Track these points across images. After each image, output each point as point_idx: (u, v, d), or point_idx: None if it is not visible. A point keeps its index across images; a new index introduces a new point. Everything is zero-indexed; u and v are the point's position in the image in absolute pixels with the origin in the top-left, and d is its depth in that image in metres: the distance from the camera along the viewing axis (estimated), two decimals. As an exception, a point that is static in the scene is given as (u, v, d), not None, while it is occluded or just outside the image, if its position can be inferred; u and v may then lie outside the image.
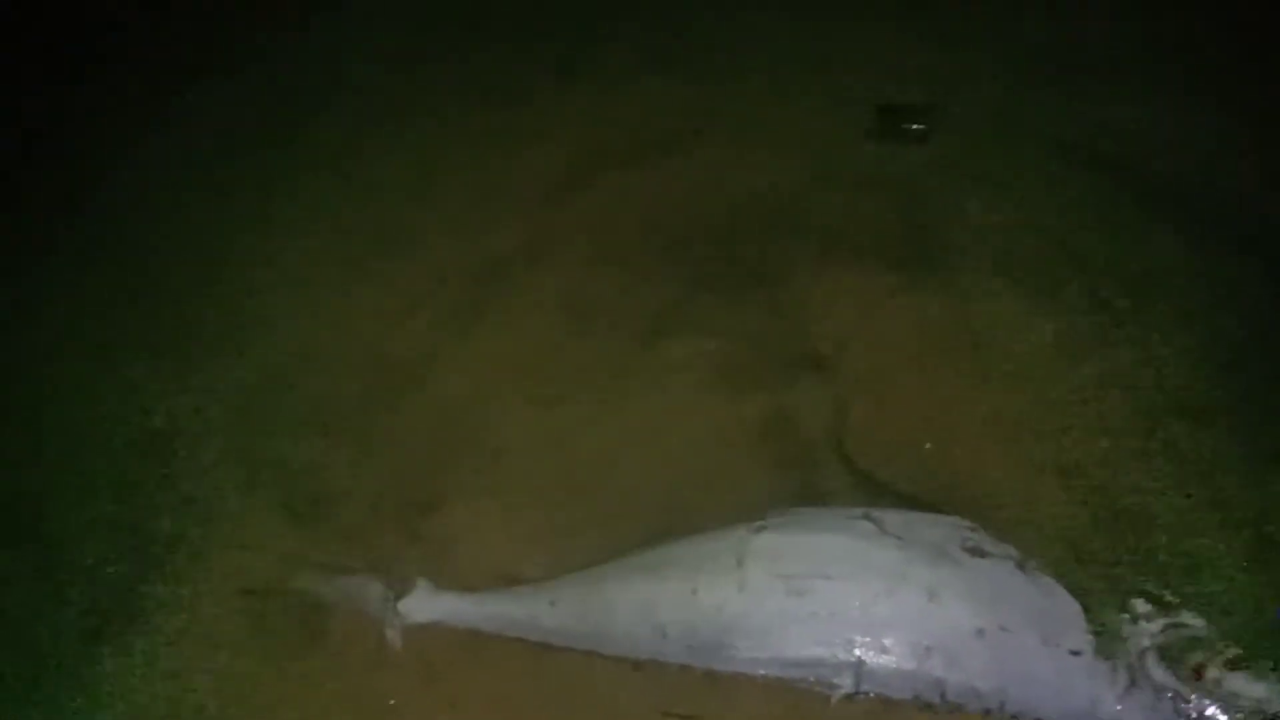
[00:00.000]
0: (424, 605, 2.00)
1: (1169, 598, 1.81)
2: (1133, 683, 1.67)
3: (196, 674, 2.01)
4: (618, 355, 2.38)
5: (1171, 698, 1.65)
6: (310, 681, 1.98)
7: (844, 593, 1.77)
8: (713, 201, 2.64)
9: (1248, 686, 1.62)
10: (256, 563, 2.14)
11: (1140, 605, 1.78)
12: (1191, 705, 1.64)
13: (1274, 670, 1.64)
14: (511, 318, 2.50)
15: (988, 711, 1.71)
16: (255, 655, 2.02)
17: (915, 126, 2.67)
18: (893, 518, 1.87)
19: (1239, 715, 1.61)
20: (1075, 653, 1.70)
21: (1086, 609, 1.76)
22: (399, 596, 2.02)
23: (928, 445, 2.13)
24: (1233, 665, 1.64)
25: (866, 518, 1.87)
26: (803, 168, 2.65)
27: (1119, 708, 1.66)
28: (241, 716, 1.95)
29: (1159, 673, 1.66)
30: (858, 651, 1.74)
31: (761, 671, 1.80)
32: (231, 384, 2.45)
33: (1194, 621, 1.74)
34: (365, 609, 2.03)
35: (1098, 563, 1.91)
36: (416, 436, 2.30)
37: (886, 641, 1.73)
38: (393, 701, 1.93)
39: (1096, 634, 1.73)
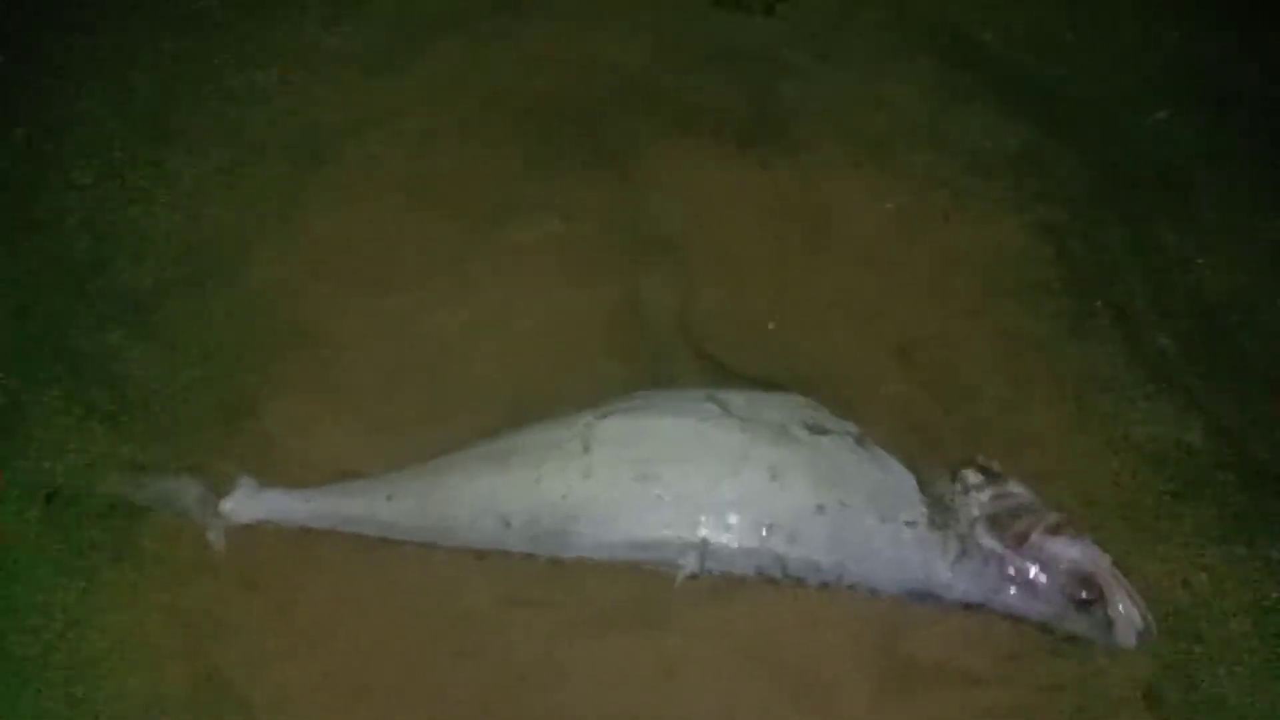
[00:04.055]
0: (248, 504, 1.87)
1: (997, 469, 1.87)
2: (963, 551, 1.74)
3: (-9, 588, 1.83)
4: (458, 237, 2.25)
5: (998, 563, 1.73)
6: (125, 593, 1.83)
7: (688, 474, 1.76)
8: (555, 74, 2.49)
9: (1066, 549, 1.72)
10: (57, 465, 1.95)
11: (971, 477, 1.84)
12: (1016, 569, 1.72)
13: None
14: (339, 195, 2.31)
15: (826, 584, 1.75)
16: (60, 567, 1.85)
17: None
18: (736, 399, 1.86)
19: (1057, 575, 1.71)
20: (910, 524, 1.75)
21: (920, 482, 1.82)
22: (220, 496, 1.88)
23: (771, 326, 2.13)
24: (1053, 531, 1.73)
25: (711, 399, 1.85)
26: (648, 38, 2.53)
27: (950, 575, 1.73)
28: (47, 634, 1.80)
29: (987, 540, 1.74)
30: (702, 531, 1.75)
31: (607, 555, 1.78)
32: (19, 272, 2.18)
33: (1019, 491, 1.81)
34: (183, 512, 1.88)
35: (931, 437, 1.97)
36: (234, 326, 2.12)
37: (730, 520, 1.74)
38: (218, 609, 1.82)
39: (929, 506, 1.78)
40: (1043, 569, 1.71)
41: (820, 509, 1.74)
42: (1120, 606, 1.69)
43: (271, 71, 2.46)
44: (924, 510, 1.77)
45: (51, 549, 1.87)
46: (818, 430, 1.82)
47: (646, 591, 1.79)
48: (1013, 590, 1.72)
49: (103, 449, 1.97)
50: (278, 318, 2.14)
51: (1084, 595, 1.69)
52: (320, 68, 2.47)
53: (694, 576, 1.75)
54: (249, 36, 2.51)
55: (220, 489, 1.89)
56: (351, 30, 2.53)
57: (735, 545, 1.74)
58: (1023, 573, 1.72)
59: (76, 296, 2.16)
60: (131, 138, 2.37)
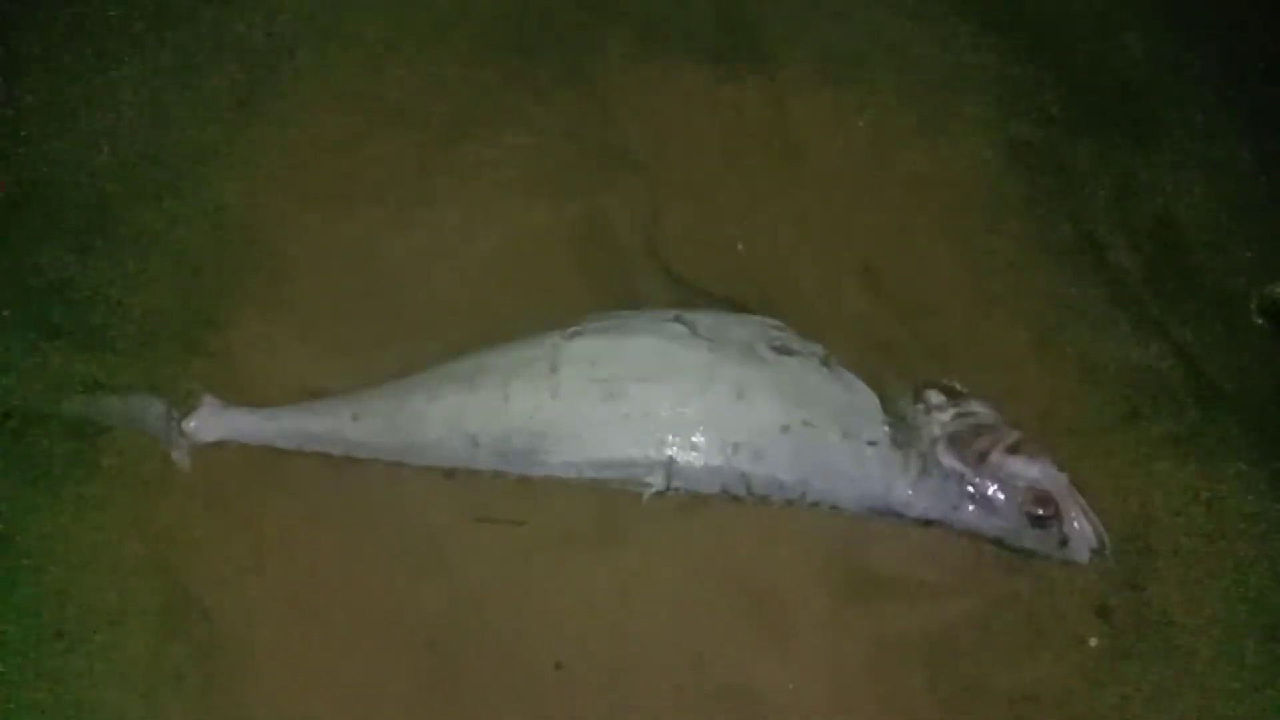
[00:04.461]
0: (212, 423, 1.86)
1: (959, 388, 1.90)
2: (924, 469, 1.76)
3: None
4: (420, 152, 2.18)
5: (958, 480, 1.76)
6: (89, 510, 1.83)
7: (656, 394, 1.77)
8: (524, -16, 2.41)
9: (1024, 468, 1.76)
10: (16, 385, 1.92)
11: (933, 396, 1.86)
12: (975, 486, 1.76)
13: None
14: (297, 107, 2.22)
15: (790, 502, 1.78)
16: (23, 485, 1.84)
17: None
18: (704, 319, 1.86)
19: (1015, 493, 1.75)
20: (872, 443, 1.77)
21: (884, 401, 1.83)
22: (183, 415, 1.86)
23: (740, 246, 2.11)
24: (1012, 449, 1.76)
25: (678, 320, 1.85)
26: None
27: (911, 493, 1.76)
28: (11, 552, 1.79)
29: (948, 459, 1.76)
30: (669, 450, 1.76)
31: (575, 474, 1.79)
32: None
33: (980, 410, 1.84)
34: (146, 430, 1.87)
35: (896, 356, 1.98)
36: (192, 243, 2.07)
37: (696, 439, 1.76)
38: (182, 526, 1.82)
39: (892, 425, 1.80)
40: (1001, 487, 1.75)
41: (785, 428, 1.75)
42: (1075, 524, 1.73)
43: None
44: (886, 429, 1.79)
45: (13, 468, 1.85)
46: (784, 350, 1.83)
47: (611, 509, 1.81)
48: (971, 507, 1.76)
49: (62, 368, 1.94)
50: (236, 234, 2.09)
51: (1040, 512, 1.73)
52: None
53: (661, 494, 1.78)
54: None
55: (183, 407, 1.87)
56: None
57: (701, 464, 1.75)
58: (981, 490, 1.75)
59: (28, 214, 2.09)
60: (81, 47, 2.26)
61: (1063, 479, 1.75)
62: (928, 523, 1.78)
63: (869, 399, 1.81)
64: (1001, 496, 1.75)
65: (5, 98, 2.20)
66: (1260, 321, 2.08)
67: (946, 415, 1.81)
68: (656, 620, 1.78)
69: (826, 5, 2.37)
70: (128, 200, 2.11)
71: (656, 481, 1.77)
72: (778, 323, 1.89)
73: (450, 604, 1.79)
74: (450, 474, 1.84)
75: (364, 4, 2.35)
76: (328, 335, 2.00)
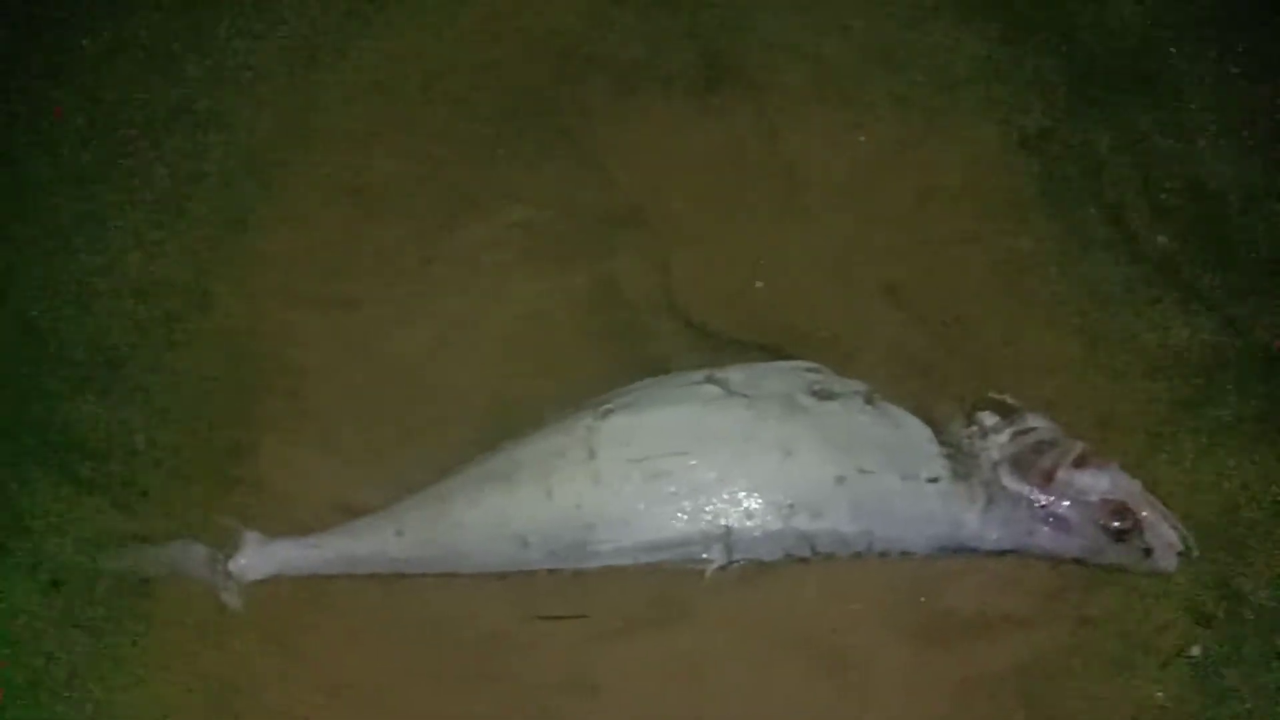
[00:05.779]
0: (257, 560, 1.81)
1: (1010, 402, 1.82)
2: (990, 499, 1.69)
3: (15, 684, 1.78)
4: (416, 241, 2.13)
5: (1028, 505, 1.68)
6: (146, 667, 1.79)
7: (700, 465, 1.71)
8: (493, 50, 2.33)
9: (1094, 480, 1.68)
10: (53, 548, 1.88)
11: (986, 417, 1.78)
12: (1046, 508, 1.68)
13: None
14: (287, 213, 2.18)
15: (858, 554, 1.71)
16: (78, 653, 1.80)
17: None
18: (736, 375, 1.79)
19: (1089, 509, 1.67)
20: (933, 480, 1.70)
21: (935, 431, 1.76)
22: (228, 556, 1.82)
23: (759, 284, 2.04)
24: (1079, 463, 1.68)
25: (710, 380, 1.79)
26: (584, -3, 2.38)
27: (980, 525, 1.69)
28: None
29: (1013, 483, 1.69)
30: (723, 521, 1.69)
31: (631, 561, 1.73)
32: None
33: (1037, 424, 1.75)
34: (193, 577, 1.83)
35: (938, 377, 1.91)
36: (205, 371, 2.03)
37: (750, 506, 1.69)
38: (240, 669, 1.78)
39: (950, 456, 1.72)
40: (1073, 505, 1.67)
41: (840, 479, 1.68)
42: (1157, 531, 1.65)
43: (195, 99, 2.30)
44: (945, 462, 1.71)
45: (67, 637, 1.81)
46: (825, 396, 1.76)
47: (671, 588, 1.75)
48: (1046, 530, 1.68)
49: (100, 524, 1.90)
50: (246, 355, 2.05)
51: (1119, 525, 1.65)
52: (241, 82, 2.31)
53: (723, 569, 1.71)
54: (168, 64, 2.35)
55: (225, 547, 1.83)
56: (267, 35, 2.37)
57: (759, 531, 1.69)
58: (1054, 511, 1.68)
59: (36, 361, 2.05)
60: (65, 186, 2.23)
61: (1136, 486, 1.67)
62: (1002, 553, 1.71)
63: (921, 433, 1.74)
64: (1075, 515, 1.67)
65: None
66: (1307, 279, 1.99)
67: (1004, 436, 1.74)
68: (731, 696, 1.73)
69: (805, 22, 2.29)
70: (136, 335, 2.07)
71: (716, 556, 1.70)
72: (813, 365, 1.83)
73: (520, 707, 1.75)
74: (502, 577, 1.78)
75: (336, 98, 2.30)
76: (351, 443, 1.96)
